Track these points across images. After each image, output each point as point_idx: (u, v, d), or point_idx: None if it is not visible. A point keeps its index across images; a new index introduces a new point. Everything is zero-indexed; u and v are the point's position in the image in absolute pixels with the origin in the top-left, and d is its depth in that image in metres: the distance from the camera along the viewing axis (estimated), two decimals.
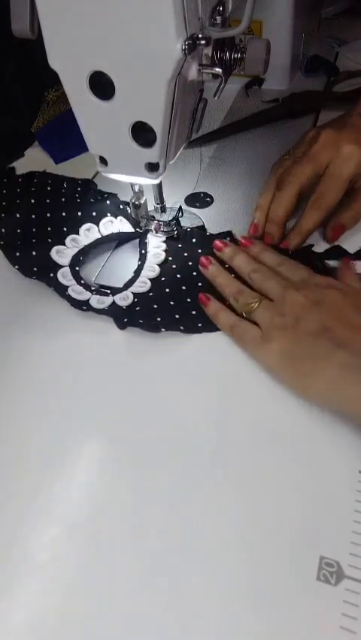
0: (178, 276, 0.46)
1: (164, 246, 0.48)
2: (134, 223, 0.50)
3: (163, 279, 0.46)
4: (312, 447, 0.35)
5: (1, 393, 0.40)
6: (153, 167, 0.40)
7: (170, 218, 0.50)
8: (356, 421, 0.34)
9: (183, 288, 0.45)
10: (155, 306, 0.43)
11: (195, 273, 0.46)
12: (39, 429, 0.38)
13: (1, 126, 0.63)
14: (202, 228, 0.50)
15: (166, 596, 0.30)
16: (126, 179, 0.43)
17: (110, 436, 0.37)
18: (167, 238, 0.49)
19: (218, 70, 0.36)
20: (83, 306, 0.44)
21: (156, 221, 0.49)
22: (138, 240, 0.49)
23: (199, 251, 0.47)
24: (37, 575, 0.31)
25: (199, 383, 0.39)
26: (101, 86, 0.36)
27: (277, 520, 0.32)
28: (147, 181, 0.42)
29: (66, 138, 0.61)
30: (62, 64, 0.36)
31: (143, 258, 0.47)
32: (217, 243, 0.46)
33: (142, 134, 0.38)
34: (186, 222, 0.50)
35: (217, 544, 0.31)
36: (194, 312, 0.43)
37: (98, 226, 0.50)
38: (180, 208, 0.51)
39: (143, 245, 0.48)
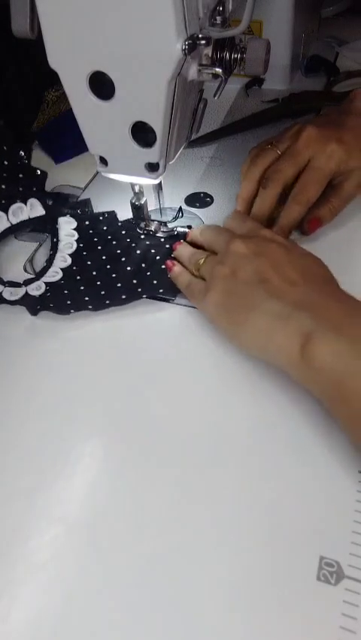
0: (89, 262, 0.47)
1: (76, 234, 0.49)
2: (134, 222, 0.50)
3: (75, 267, 0.47)
4: (312, 447, 0.35)
5: (1, 393, 0.40)
6: (153, 167, 0.40)
7: (170, 218, 0.50)
8: (281, 368, 0.35)
9: (108, 267, 0.47)
10: (65, 292, 0.45)
11: (118, 251, 0.48)
12: (39, 429, 0.38)
13: (3, 126, 0.63)
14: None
15: (166, 595, 0.30)
16: (126, 179, 0.43)
17: (110, 436, 0.37)
18: (78, 224, 0.50)
19: (218, 70, 0.36)
20: None
21: (156, 222, 0.49)
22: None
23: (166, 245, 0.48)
24: (37, 575, 0.31)
25: (199, 383, 0.39)
26: (101, 86, 0.36)
27: (277, 520, 0.32)
28: (147, 181, 0.42)
29: (66, 138, 0.61)
30: (62, 64, 0.36)
31: (55, 248, 0.48)
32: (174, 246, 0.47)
33: (142, 134, 0.38)
34: (186, 222, 0.50)
35: (217, 544, 0.31)
36: (119, 285, 0.45)
37: (7, 214, 0.50)
38: (180, 208, 0.51)
39: (54, 232, 0.49)
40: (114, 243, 0.49)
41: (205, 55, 0.36)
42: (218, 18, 0.36)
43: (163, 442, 0.36)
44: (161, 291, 0.45)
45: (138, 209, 0.48)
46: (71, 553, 0.32)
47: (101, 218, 0.52)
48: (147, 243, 0.48)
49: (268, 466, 0.34)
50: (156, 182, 0.43)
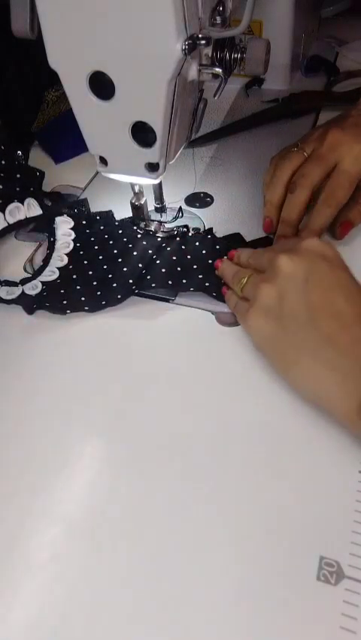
0: (85, 262, 0.47)
1: (73, 234, 0.50)
2: (133, 222, 0.50)
3: (71, 267, 0.47)
4: (312, 447, 0.35)
5: (1, 393, 0.40)
6: (153, 167, 0.40)
7: (170, 218, 0.50)
8: (330, 415, 0.34)
9: (105, 267, 0.47)
10: (62, 291, 0.45)
11: (115, 251, 0.47)
12: (39, 429, 0.38)
13: (1, 126, 0.63)
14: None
15: (166, 595, 0.30)
16: (126, 179, 0.43)
17: (110, 436, 0.37)
18: (75, 224, 0.51)
19: (218, 70, 0.36)
20: None
21: (156, 222, 0.49)
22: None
23: (203, 252, 0.47)
24: (37, 575, 0.31)
25: (199, 382, 0.39)
26: (101, 86, 0.36)
27: (277, 520, 0.32)
28: (147, 181, 0.42)
29: (66, 138, 0.61)
30: (62, 64, 0.36)
31: (52, 247, 0.49)
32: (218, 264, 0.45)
33: (142, 134, 0.38)
34: (186, 222, 0.50)
35: (217, 544, 0.31)
36: (115, 285, 0.45)
37: (4, 214, 0.50)
38: (180, 208, 0.51)
39: (51, 232, 0.50)
40: (111, 242, 0.49)
41: (205, 55, 0.37)
42: (218, 18, 0.36)
43: (163, 442, 0.36)
44: (153, 285, 0.45)
45: (138, 209, 0.48)
46: (71, 553, 0.32)
47: (98, 217, 0.52)
48: (144, 243, 0.48)
49: (268, 466, 0.34)
50: (156, 182, 0.43)
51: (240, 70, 0.39)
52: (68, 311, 0.44)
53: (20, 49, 0.61)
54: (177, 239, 0.48)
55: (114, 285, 0.45)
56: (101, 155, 0.41)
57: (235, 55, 0.38)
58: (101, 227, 0.50)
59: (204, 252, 0.47)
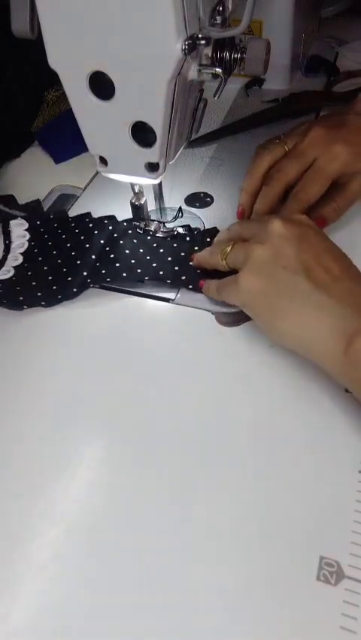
0: (40, 259, 0.48)
1: (28, 235, 0.50)
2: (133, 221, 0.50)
3: (26, 264, 0.48)
4: (312, 447, 0.35)
5: (1, 393, 0.40)
6: (153, 167, 0.40)
7: (170, 218, 0.50)
8: (316, 361, 0.35)
9: (59, 261, 0.48)
10: (17, 288, 0.46)
11: (69, 244, 0.49)
12: (39, 429, 0.38)
13: (1, 126, 0.63)
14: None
15: (166, 595, 0.30)
16: (126, 179, 0.43)
17: (111, 437, 0.37)
18: (30, 225, 0.52)
19: (218, 70, 0.36)
20: None
21: (156, 222, 0.49)
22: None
23: (175, 245, 0.48)
24: (37, 575, 0.31)
25: (199, 382, 0.39)
26: (101, 86, 0.36)
27: (277, 520, 0.32)
28: (147, 181, 0.42)
29: (66, 138, 0.61)
30: (62, 64, 0.36)
31: (7, 249, 0.50)
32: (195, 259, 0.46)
33: (142, 134, 0.38)
34: (186, 222, 0.50)
35: (217, 544, 0.31)
36: (70, 279, 0.46)
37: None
38: (180, 208, 0.51)
39: (6, 235, 0.51)
40: (64, 237, 0.50)
41: (205, 55, 0.36)
42: (218, 18, 0.36)
43: (163, 442, 0.36)
44: (108, 280, 0.46)
45: (138, 209, 0.48)
46: (71, 554, 0.32)
47: (51, 217, 0.53)
48: (100, 238, 0.49)
49: (268, 465, 0.34)
50: (156, 182, 0.43)
51: (240, 70, 0.39)
52: (25, 306, 0.45)
53: (20, 49, 0.61)
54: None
55: (69, 278, 0.46)
56: (101, 155, 0.41)
57: (235, 55, 0.38)
58: (55, 225, 0.51)
59: (175, 245, 0.48)
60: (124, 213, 0.51)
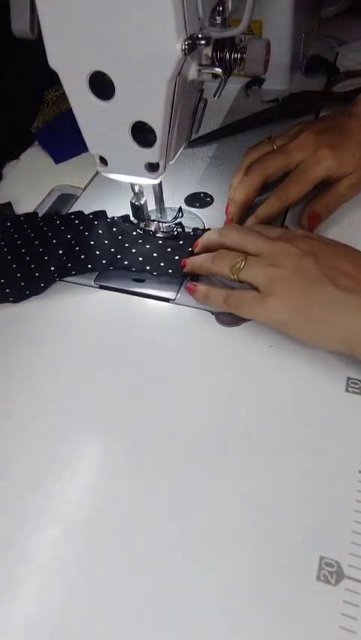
0: (9, 257, 0.49)
1: None
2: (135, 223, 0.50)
3: None
4: (312, 447, 0.35)
5: (1, 393, 0.40)
6: (153, 167, 0.40)
7: (170, 218, 0.50)
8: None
9: (28, 258, 0.48)
10: None
11: (37, 242, 0.50)
12: (39, 429, 0.38)
13: (1, 126, 0.63)
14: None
15: (166, 595, 0.30)
16: (126, 179, 0.43)
17: (110, 436, 0.37)
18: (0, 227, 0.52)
19: (218, 70, 0.36)
20: None
21: (156, 222, 0.49)
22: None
23: (160, 242, 0.48)
24: (37, 575, 0.31)
25: (199, 382, 0.39)
26: (101, 86, 0.36)
27: (277, 520, 0.32)
28: (147, 181, 0.42)
29: (66, 138, 0.61)
30: (62, 64, 0.36)
31: None
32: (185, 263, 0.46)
33: (142, 134, 0.38)
34: (186, 222, 0.50)
35: (217, 544, 0.31)
36: (37, 274, 0.47)
37: None
38: (180, 208, 0.50)
39: None
40: (32, 235, 0.50)
41: (205, 55, 0.36)
42: (218, 18, 0.36)
43: (163, 442, 0.36)
44: (73, 273, 0.47)
45: (138, 209, 0.48)
46: (71, 553, 0.32)
47: (22, 218, 0.53)
48: (66, 232, 0.50)
49: (269, 466, 0.34)
50: (156, 182, 0.43)
51: (240, 70, 0.39)
52: None
53: (20, 49, 0.61)
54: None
55: (37, 274, 0.47)
56: (101, 155, 0.41)
57: (235, 55, 0.38)
58: (25, 226, 0.52)
59: (160, 242, 0.48)
60: (124, 213, 0.51)
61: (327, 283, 0.37)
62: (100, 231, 0.50)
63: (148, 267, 0.46)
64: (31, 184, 0.59)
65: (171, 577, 0.30)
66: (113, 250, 0.48)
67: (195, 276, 0.45)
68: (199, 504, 0.33)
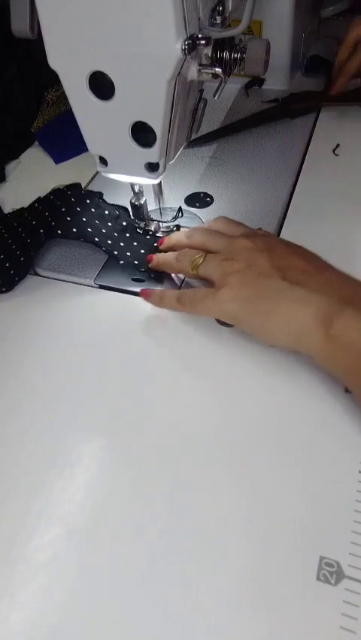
0: None
1: None
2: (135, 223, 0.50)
3: None
4: (312, 447, 0.35)
5: (1, 393, 0.40)
6: (153, 167, 0.40)
7: (170, 218, 0.50)
8: (307, 353, 0.36)
9: (14, 247, 0.49)
10: None
11: (24, 234, 0.50)
12: (39, 429, 0.38)
13: (1, 126, 0.63)
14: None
15: (166, 596, 0.30)
16: (126, 179, 0.43)
17: (110, 436, 0.37)
18: None
19: (218, 70, 0.36)
20: None
21: (155, 222, 0.49)
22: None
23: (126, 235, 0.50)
24: (37, 575, 0.31)
25: (199, 382, 0.39)
26: (101, 85, 0.36)
27: (277, 520, 0.32)
28: (147, 181, 0.42)
29: (66, 138, 0.61)
30: (62, 64, 0.36)
31: None
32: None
33: (142, 134, 0.38)
34: (186, 222, 0.50)
35: (217, 544, 0.31)
36: (22, 259, 0.48)
37: None
38: (180, 208, 0.51)
39: None
40: (20, 230, 0.51)
41: (205, 55, 0.37)
42: (218, 18, 0.36)
43: (163, 442, 0.36)
44: (59, 232, 0.49)
45: (138, 209, 0.49)
46: (71, 554, 0.32)
47: (8, 214, 0.54)
48: (44, 210, 0.51)
49: (268, 466, 0.34)
50: (156, 182, 0.43)
51: (240, 70, 0.39)
52: None
53: (20, 49, 0.61)
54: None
55: (22, 258, 0.48)
56: (101, 155, 0.41)
57: (235, 55, 0.38)
58: (15, 224, 0.52)
59: (130, 234, 0.49)
60: None
61: (277, 277, 0.37)
62: (78, 208, 0.51)
63: (116, 253, 0.47)
64: (32, 184, 0.59)
65: (170, 577, 0.30)
66: (85, 221, 0.49)
67: (158, 274, 0.46)
68: (199, 504, 0.33)
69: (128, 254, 0.48)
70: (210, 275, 0.40)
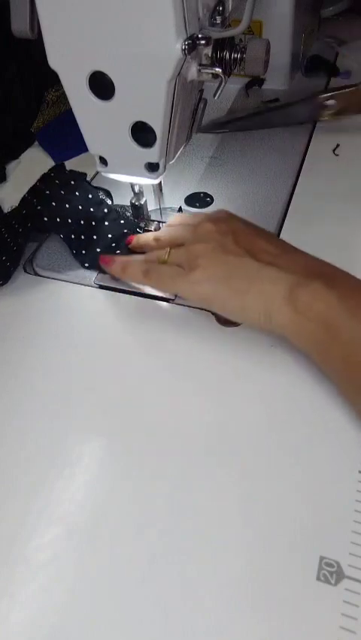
0: None
1: None
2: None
3: None
4: (312, 447, 0.35)
5: (1, 393, 0.40)
6: (153, 167, 0.40)
7: (170, 218, 0.50)
8: (280, 332, 0.37)
9: (9, 239, 0.49)
10: None
11: (13, 222, 0.50)
12: (39, 429, 0.38)
13: (1, 126, 0.63)
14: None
15: (166, 596, 0.30)
16: (126, 179, 0.43)
17: (110, 436, 0.37)
18: None
19: (218, 70, 0.36)
20: None
21: (156, 222, 0.49)
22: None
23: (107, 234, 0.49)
24: (37, 575, 0.31)
25: (199, 382, 0.39)
26: (101, 85, 0.36)
27: (277, 520, 0.32)
28: (147, 181, 0.42)
29: (66, 138, 0.61)
30: (62, 64, 0.36)
31: None
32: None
33: (142, 134, 0.38)
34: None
35: (217, 544, 0.31)
36: (15, 249, 0.48)
37: None
38: (180, 208, 0.50)
39: None
40: (13, 222, 0.51)
41: (205, 55, 0.37)
42: (218, 18, 0.36)
43: (163, 442, 0.36)
44: (45, 219, 0.49)
45: (138, 209, 0.49)
46: (71, 554, 0.32)
47: (8, 213, 0.54)
48: (32, 198, 0.51)
49: (268, 466, 0.34)
50: (156, 182, 0.43)
51: (240, 70, 0.39)
52: None
53: (20, 49, 0.61)
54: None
55: (15, 248, 0.48)
56: (101, 155, 0.41)
57: (235, 55, 0.38)
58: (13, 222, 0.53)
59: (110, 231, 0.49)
60: None
61: (248, 257, 0.38)
62: (62, 192, 0.50)
63: (95, 237, 0.48)
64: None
65: (170, 577, 0.30)
66: (67, 208, 0.49)
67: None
68: (199, 504, 0.33)
69: (109, 236, 0.48)
70: (181, 260, 0.40)
